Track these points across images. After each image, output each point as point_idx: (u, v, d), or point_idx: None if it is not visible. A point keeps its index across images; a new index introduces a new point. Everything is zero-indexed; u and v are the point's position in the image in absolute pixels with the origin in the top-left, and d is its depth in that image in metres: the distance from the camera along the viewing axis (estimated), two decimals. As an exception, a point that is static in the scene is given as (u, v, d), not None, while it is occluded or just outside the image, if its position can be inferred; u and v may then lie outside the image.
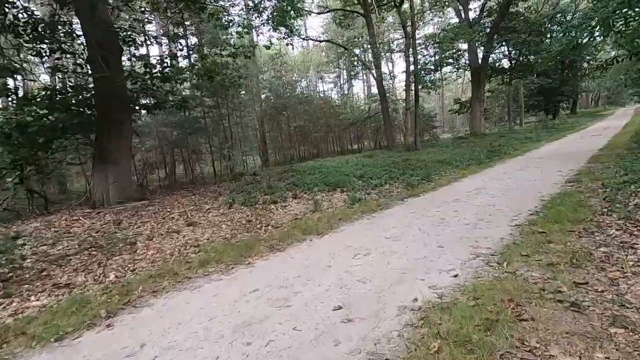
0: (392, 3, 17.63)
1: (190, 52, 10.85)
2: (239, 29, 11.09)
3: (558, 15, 31.14)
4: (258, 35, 11.53)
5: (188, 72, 10.95)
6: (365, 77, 34.08)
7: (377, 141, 21.75)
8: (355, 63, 20.01)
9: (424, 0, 17.36)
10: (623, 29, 9.66)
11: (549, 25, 27.19)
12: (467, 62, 23.02)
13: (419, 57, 19.88)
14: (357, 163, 12.42)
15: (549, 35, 30.45)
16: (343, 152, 20.96)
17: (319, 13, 18.33)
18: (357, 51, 18.78)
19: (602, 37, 14.60)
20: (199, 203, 7.88)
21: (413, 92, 17.19)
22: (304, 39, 18.01)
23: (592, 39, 16.53)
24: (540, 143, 15.76)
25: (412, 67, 16.60)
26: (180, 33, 10.27)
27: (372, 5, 17.44)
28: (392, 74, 25.81)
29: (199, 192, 9.54)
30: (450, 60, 24.03)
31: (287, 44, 13.08)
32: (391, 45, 16.61)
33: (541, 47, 23.45)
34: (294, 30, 11.56)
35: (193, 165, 13.41)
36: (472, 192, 6.88)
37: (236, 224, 6.14)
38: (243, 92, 15.40)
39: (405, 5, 17.16)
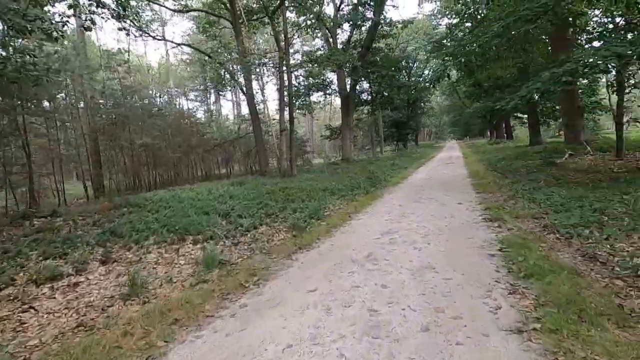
0: (264, 17, 15.66)
1: None
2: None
3: (403, 62, 34.93)
4: (76, 14, 7.57)
5: None
6: (235, 98, 31.28)
7: (249, 165, 18.99)
8: (222, 75, 17.05)
9: (298, 15, 15.82)
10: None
11: (402, 65, 29.77)
12: (337, 89, 22.81)
13: (292, 78, 18.37)
14: (224, 193, 9.38)
15: (397, 77, 33.89)
16: (209, 178, 17.40)
17: (177, 11, 14.89)
18: (224, 65, 15.91)
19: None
20: None
21: (288, 112, 15.28)
22: (155, 38, 14.19)
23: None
24: (408, 170, 15.65)
25: (286, 85, 14.72)
26: None
27: (241, 17, 15.05)
28: (263, 94, 23.79)
29: None
30: (321, 86, 23.58)
31: (120, 29, 9.33)
32: (263, 58, 14.46)
33: (399, 83, 25.19)
34: (128, 6, 8.05)
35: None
36: (383, 238, 4.77)
37: None
38: (59, 92, 10.67)
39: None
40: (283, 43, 14.29)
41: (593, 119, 20.97)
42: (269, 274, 3.79)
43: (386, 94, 28.06)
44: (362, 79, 23.79)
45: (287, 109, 15.14)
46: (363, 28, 23.00)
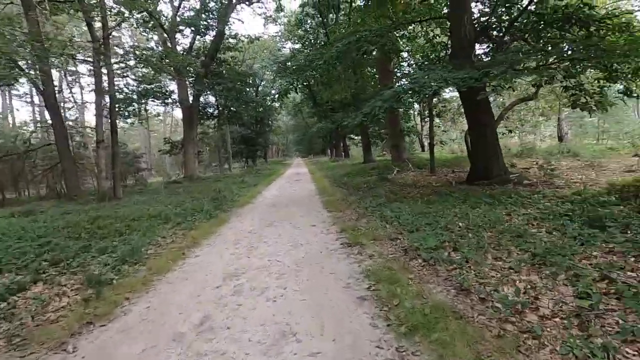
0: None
1: None
2: None
3: (250, 79, 34.73)
4: None
5: None
6: (34, 99, 24.22)
7: (50, 186, 14.36)
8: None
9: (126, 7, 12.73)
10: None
11: (250, 82, 29.16)
12: (178, 98, 20.24)
13: (118, 80, 15.04)
14: (-15, 231, 6.19)
15: (244, 91, 33.32)
16: (-19, 205, 12.14)
17: None
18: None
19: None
20: None
21: (109, 120, 12.24)
22: None
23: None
24: (258, 188, 14.72)
25: (106, 87, 11.70)
26: None
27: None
28: (77, 95, 18.93)
29: None
30: (159, 94, 20.52)
31: None
32: (68, 47, 10.78)
33: (247, 97, 24.39)
34: None
35: None
36: (226, 286, 3.49)
37: None
38: None
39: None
40: (100, 33, 11.36)
41: (410, 141, 25.08)
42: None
43: (234, 109, 26.95)
44: (207, 90, 21.97)
45: (108, 115, 12.12)
46: (207, 37, 21.42)
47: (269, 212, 8.02)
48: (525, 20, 7.76)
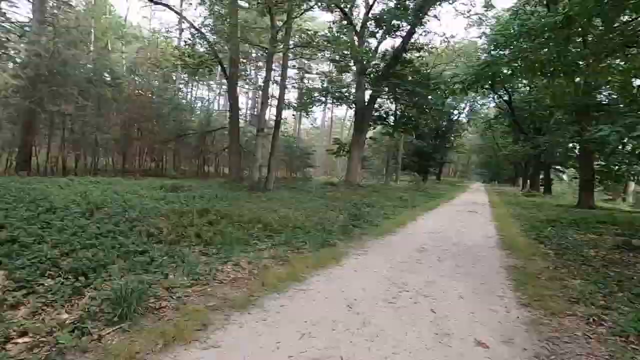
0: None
1: None
2: None
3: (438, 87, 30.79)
4: None
5: None
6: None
7: (218, 168, 15.48)
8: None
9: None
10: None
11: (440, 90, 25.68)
12: (354, 98, 19.12)
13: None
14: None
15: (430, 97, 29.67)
16: (157, 174, 13.92)
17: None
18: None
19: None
20: None
21: (275, 109, 11.76)
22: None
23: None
24: (416, 211, 11.43)
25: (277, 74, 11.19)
26: None
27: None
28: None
29: None
30: (338, 93, 20.08)
31: None
32: (250, 32, 10.90)
33: (430, 104, 21.18)
34: None
35: None
36: None
37: None
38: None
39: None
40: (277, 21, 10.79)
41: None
42: None
43: (412, 117, 24.04)
44: (385, 93, 19.99)
45: (273, 103, 11.61)
46: (396, 40, 19.25)
47: (407, 262, 4.90)
48: None
